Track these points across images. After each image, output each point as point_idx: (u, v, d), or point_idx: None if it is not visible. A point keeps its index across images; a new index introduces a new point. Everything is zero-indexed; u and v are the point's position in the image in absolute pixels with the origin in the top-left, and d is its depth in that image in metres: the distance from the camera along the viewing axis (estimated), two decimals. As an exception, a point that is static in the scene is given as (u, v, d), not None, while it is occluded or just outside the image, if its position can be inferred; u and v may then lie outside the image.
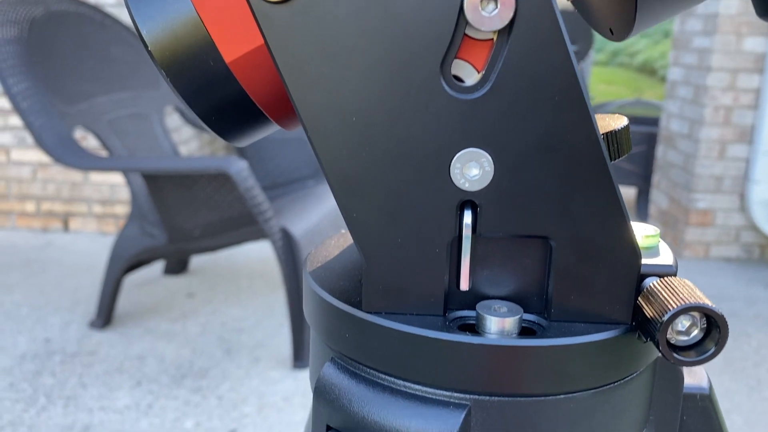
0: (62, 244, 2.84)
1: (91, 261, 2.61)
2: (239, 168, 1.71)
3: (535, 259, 0.29)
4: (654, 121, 3.55)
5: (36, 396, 1.70)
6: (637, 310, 0.28)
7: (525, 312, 0.29)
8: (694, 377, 0.35)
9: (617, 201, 0.27)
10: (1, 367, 1.82)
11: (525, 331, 0.29)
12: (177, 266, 2.52)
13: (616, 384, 0.29)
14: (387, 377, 0.29)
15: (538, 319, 0.29)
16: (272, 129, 0.32)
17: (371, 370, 0.29)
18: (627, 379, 0.29)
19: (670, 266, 0.30)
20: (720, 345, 0.26)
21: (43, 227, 2.99)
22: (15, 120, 2.81)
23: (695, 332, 0.27)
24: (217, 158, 1.79)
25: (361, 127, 0.27)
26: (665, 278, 0.29)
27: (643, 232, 0.33)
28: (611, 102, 4.07)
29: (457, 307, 0.30)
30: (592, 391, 0.28)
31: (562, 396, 0.28)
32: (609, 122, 0.32)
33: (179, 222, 1.93)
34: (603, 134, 0.30)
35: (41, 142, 1.78)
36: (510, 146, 0.27)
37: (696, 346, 0.27)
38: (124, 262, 2.00)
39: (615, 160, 0.31)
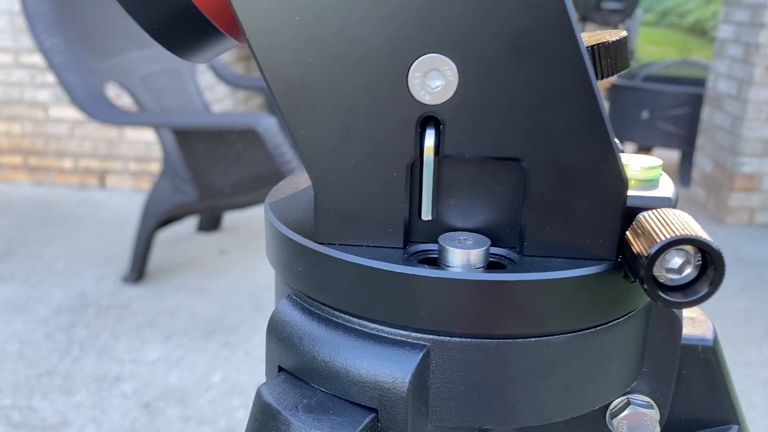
0: (98, 200, 2.89)
1: (126, 217, 2.65)
2: (267, 125, 1.70)
3: (506, 185, 0.26)
4: (700, 82, 3.41)
5: (70, 347, 1.74)
6: (625, 245, 0.25)
7: (495, 246, 0.26)
8: (697, 327, 0.31)
9: (600, 119, 0.24)
10: (39, 317, 1.86)
11: (493, 266, 0.26)
12: (210, 223, 2.53)
13: (597, 328, 0.26)
14: (341, 314, 0.26)
15: (509, 253, 0.26)
16: (226, 43, 0.29)
17: (325, 307, 0.27)
18: (611, 323, 0.26)
19: (667, 199, 0.26)
20: (714, 285, 0.23)
21: (80, 184, 3.04)
22: (52, 77, 2.85)
23: (688, 270, 0.24)
24: (245, 114, 1.78)
25: (306, 25, 0.24)
26: (659, 210, 0.25)
27: (643, 163, 0.29)
28: (656, 62, 3.92)
29: (421, 240, 0.27)
30: (568, 335, 0.25)
31: (533, 339, 0.25)
32: (604, 35, 0.29)
33: (210, 178, 1.93)
34: (593, 45, 0.27)
35: (73, 97, 1.79)
36: (477, 51, 0.23)
37: (689, 286, 0.24)
38: (156, 219, 2.02)
39: (608, 76, 0.27)
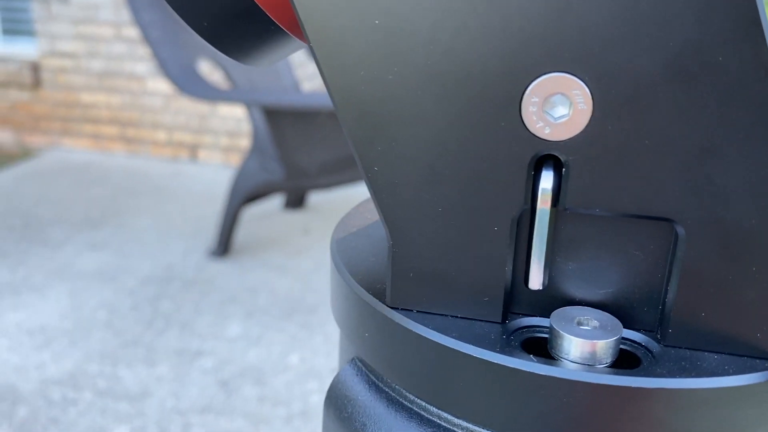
0: (189, 173, 2.94)
1: (215, 191, 2.69)
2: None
3: (649, 250, 0.19)
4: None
5: (155, 318, 1.77)
6: None
7: (626, 328, 0.20)
8: None
9: None
10: (128, 288, 1.91)
11: (624, 359, 0.19)
12: (295, 202, 2.54)
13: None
14: (416, 400, 0.20)
15: (646, 340, 0.20)
16: (291, 44, 0.23)
17: (396, 387, 0.21)
18: None
19: None
20: None
21: (172, 156, 3.11)
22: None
23: None
24: (334, 94, 1.74)
25: (387, 32, 0.18)
26: None
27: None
28: None
29: (525, 312, 0.20)
30: None
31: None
32: None
33: (296, 159, 1.92)
34: None
35: (166, 71, 1.81)
36: (620, 71, 0.17)
37: None
38: (243, 195, 2.03)
39: None
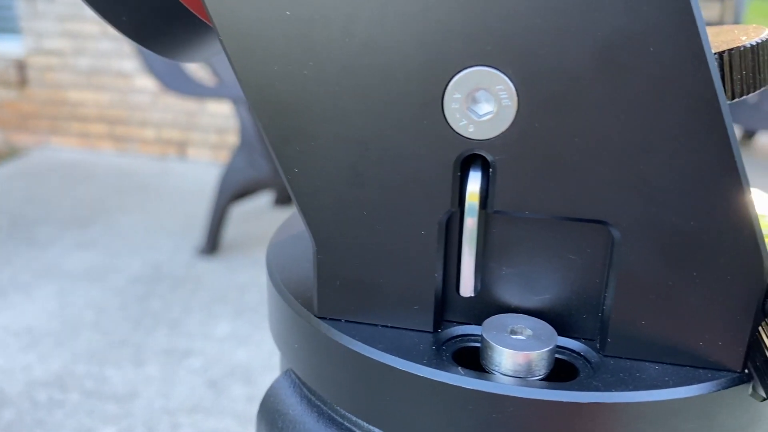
0: (178, 171, 2.93)
1: (204, 189, 2.67)
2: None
3: (585, 254, 0.18)
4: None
5: (144, 318, 1.76)
6: (756, 347, 0.17)
7: (563, 336, 0.19)
8: None
9: (732, 169, 0.16)
10: (116, 287, 1.90)
11: (561, 370, 0.18)
12: (284, 198, 2.53)
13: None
14: (347, 414, 0.19)
15: (585, 349, 0.19)
16: (206, 38, 0.22)
17: (327, 400, 0.20)
18: None
19: None
20: None
21: (161, 153, 3.09)
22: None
23: None
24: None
25: (301, 23, 0.16)
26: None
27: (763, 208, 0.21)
28: None
29: (460, 320, 0.19)
30: None
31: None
32: (734, 33, 0.20)
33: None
34: (722, 52, 0.18)
35: (151, 68, 1.79)
36: (546, 64, 0.15)
37: None
38: (231, 192, 2.02)
39: (741, 96, 0.19)
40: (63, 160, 3.02)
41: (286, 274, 0.21)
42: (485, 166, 0.17)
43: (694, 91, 0.15)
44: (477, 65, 0.16)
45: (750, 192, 0.16)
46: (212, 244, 2.10)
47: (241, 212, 2.41)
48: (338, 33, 0.16)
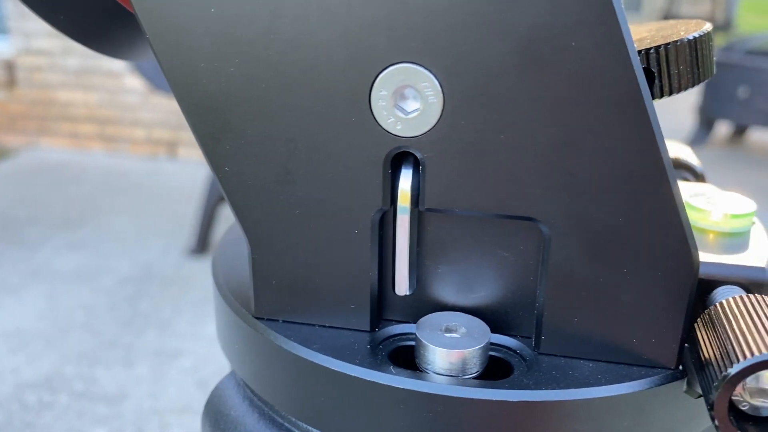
0: (169, 171, 2.92)
1: (194, 189, 2.66)
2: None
3: (518, 252, 0.18)
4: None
5: (134, 318, 1.76)
6: (691, 343, 0.17)
7: (498, 333, 0.18)
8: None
9: (658, 163, 0.15)
10: (106, 287, 1.89)
11: (496, 366, 0.18)
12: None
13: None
14: (286, 415, 0.19)
15: (520, 346, 0.19)
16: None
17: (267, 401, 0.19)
18: None
19: (759, 270, 0.18)
20: None
21: (151, 153, 3.08)
22: (128, 47, 2.87)
23: (788, 399, 0.15)
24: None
25: (225, 21, 0.16)
26: (749, 296, 0.17)
27: (726, 207, 0.20)
28: (759, 34, 3.61)
29: (398, 319, 0.19)
30: None
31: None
32: (675, 28, 0.20)
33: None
34: (658, 47, 0.18)
35: (140, 68, 1.79)
36: (470, 60, 0.15)
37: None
38: (221, 192, 2.02)
39: (680, 91, 0.19)
40: (52, 160, 3.01)
41: (230, 275, 0.21)
42: (417, 164, 0.17)
43: (617, 87, 0.15)
44: (402, 62, 0.16)
45: (677, 187, 0.16)
46: (202, 244, 2.10)
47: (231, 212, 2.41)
48: (263, 30, 0.16)
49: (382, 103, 0.16)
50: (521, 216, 0.17)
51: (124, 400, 1.46)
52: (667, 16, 4.61)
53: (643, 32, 0.20)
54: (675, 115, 3.98)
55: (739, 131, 3.49)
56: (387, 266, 0.19)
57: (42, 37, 2.98)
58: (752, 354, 0.15)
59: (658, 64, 0.18)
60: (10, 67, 3.09)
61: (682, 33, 0.19)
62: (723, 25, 4.89)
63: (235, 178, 0.18)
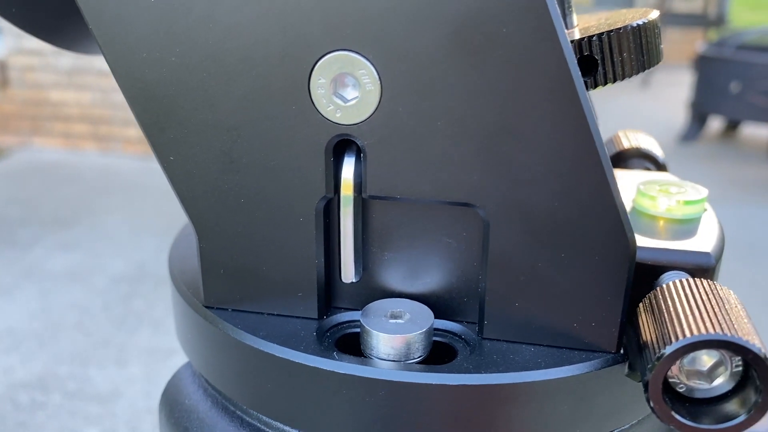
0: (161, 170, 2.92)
1: (189, 187, 2.67)
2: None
3: (461, 238, 0.18)
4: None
5: (127, 317, 1.76)
6: (633, 327, 0.17)
7: (444, 319, 0.19)
8: None
9: (591, 148, 0.16)
10: (99, 287, 1.89)
11: (440, 351, 0.18)
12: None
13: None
14: (239, 404, 0.19)
15: (465, 331, 0.19)
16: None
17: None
18: None
19: (703, 256, 0.18)
20: (760, 409, 0.15)
21: (144, 153, 3.08)
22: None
23: (722, 379, 0.16)
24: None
25: (164, 10, 0.16)
26: (690, 280, 0.17)
27: (677, 194, 0.21)
28: (751, 29, 3.62)
29: (346, 306, 0.19)
30: None
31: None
32: (625, 17, 0.20)
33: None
34: (602, 34, 0.18)
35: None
36: (405, 48, 0.15)
37: (720, 401, 0.16)
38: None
39: (624, 78, 0.19)
40: (45, 160, 3.01)
41: (185, 266, 0.21)
42: (359, 152, 0.17)
43: (549, 74, 0.15)
44: (339, 50, 0.16)
45: (612, 173, 0.16)
46: (195, 242, 2.10)
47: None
48: (201, 18, 0.16)
49: (321, 91, 0.16)
50: (460, 202, 0.17)
51: (117, 399, 1.46)
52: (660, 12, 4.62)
53: (592, 21, 0.21)
54: (667, 110, 3.99)
55: (732, 126, 3.50)
56: (334, 254, 0.19)
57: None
58: (685, 335, 0.15)
59: (601, 51, 0.19)
60: (2, 67, 3.08)
61: (627, 21, 0.19)
62: (716, 21, 4.89)
63: (179, 167, 0.18)
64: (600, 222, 0.16)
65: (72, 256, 2.08)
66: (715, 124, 3.52)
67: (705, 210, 0.21)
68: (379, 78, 0.16)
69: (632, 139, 0.29)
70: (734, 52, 3.19)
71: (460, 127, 0.16)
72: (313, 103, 0.17)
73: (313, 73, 0.16)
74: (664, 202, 0.21)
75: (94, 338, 1.66)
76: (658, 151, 0.28)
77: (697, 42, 4.11)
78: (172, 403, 0.20)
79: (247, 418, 0.19)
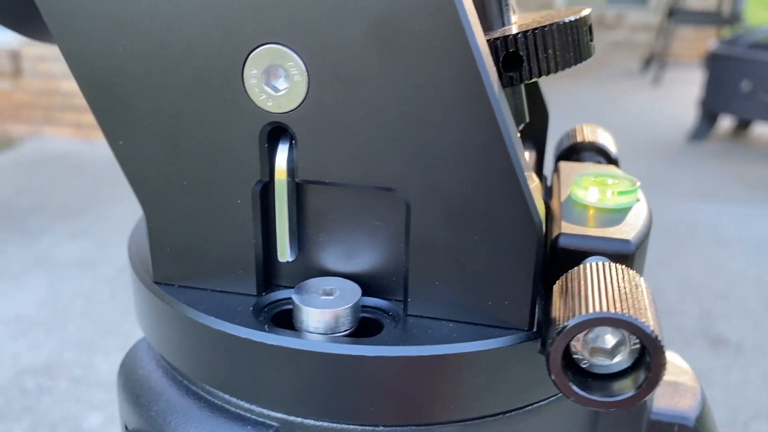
0: (174, 161, 2.95)
1: (197, 179, 2.69)
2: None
3: (388, 220, 0.19)
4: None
5: (132, 307, 1.78)
6: (546, 305, 0.18)
7: (375, 296, 0.20)
8: (679, 397, 0.24)
9: (499, 138, 0.17)
10: (106, 276, 1.92)
11: (368, 326, 0.20)
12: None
13: (506, 415, 0.19)
14: (183, 374, 0.21)
15: (393, 308, 0.20)
16: None
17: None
18: (525, 409, 0.20)
19: (622, 243, 0.19)
20: (646, 387, 0.16)
21: (158, 144, 3.11)
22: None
23: (620, 357, 0.17)
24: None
25: (113, 3, 0.18)
26: (603, 263, 0.18)
27: (611, 186, 0.22)
28: (761, 28, 3.59)
29: (286, 284, 0.21)
30: (458, 424, 0.19)
31: (408, 428, 0.19)
32: (560, 14, 0.21)
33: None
34: (527, 31, 0.19)
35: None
36: (329, 41, 0.17)
37: (616, 378, 0.17)
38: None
39: (549, 73, 0.20)
40: (56, 150, 3.04)
41: (141, 245, 0.23)
42: (293, 139, 0.19)
43: (458, 69, 0.16)
44: (269, 43, 0.17)
45: (519, 160, 0.18)
46: (202, 233, 2.13)
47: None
48: (145, 11, 0.18)
49: (253, 81, 0.18)
50: (383, 187, 0.19)
51: (121, 385, 1.49)
52: (672, 10, 4.58)
53: (529, 19, 0.22)
54: (678, 108, 3.96)
55: (742, 125, 3.47)
56: (272, 234, 0.20)
57: (47, 28, 3.01)
58: (588, 312, 0.16)
59: (527, 48, 0.20)
60: (15, 57, 3.12)
61: (558, 18, 0.21)
62: (730, 18, 4.85)
63: (128, 151, 0.19)
64: (508, 207, 0.18)
65: (80, 245, 2.10)
66: (726, 123, 3.50)
67: (638, 200, 0.22)
68: (307, 70, 0.18)
69: (588, 133, 0.30)
70: (746, 50, 3.17)
71: (380, 117, 0.17)
72: (246, 92, 0.18)
73: (246, 64, 0.18)
74: (595, 193, 0.22)
75: (100, 326, 1.69)
76: (611, 146, 0.29)
77: (710, 40, 4.08)
78: (127, 373, 0.22)
79: (193, 387, 0.21)
